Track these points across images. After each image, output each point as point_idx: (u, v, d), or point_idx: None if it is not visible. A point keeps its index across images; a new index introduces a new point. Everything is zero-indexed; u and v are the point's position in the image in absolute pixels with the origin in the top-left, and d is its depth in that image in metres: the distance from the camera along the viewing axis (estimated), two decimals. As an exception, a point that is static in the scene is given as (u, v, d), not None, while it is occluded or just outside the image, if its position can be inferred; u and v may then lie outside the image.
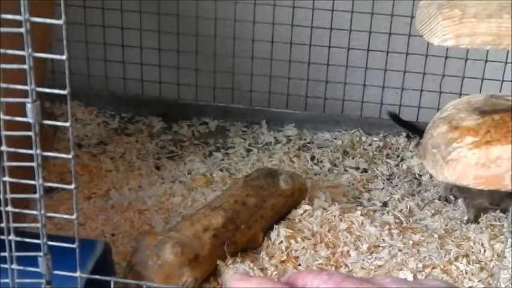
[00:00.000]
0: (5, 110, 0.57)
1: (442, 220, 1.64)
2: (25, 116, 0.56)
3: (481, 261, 1.50)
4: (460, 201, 1.70)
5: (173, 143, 1.91)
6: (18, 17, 0.53)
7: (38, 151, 0.58)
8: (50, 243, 0.62)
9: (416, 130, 1.91)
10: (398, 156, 1.89)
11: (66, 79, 0.55)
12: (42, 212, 0.61)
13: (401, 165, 1.85)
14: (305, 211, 1.59)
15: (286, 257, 1.48)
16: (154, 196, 1.65)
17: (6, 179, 0.60)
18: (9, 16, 0.54)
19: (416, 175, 1.81)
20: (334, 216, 1.58)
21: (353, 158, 1.87)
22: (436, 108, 1.86)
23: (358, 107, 2.00)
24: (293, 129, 1.98)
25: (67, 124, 0.57)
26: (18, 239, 0.62)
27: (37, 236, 0.61)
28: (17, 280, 0.64)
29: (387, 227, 1.57)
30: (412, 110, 1.97)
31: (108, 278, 0.63)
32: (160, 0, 1.93)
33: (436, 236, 1.57)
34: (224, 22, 1.94)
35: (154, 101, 2.02)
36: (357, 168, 1.83)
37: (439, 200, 1.72)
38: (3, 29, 0.55)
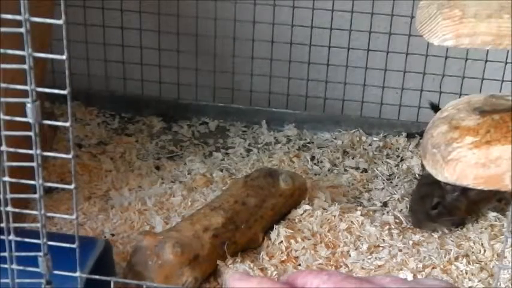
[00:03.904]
0: (5, 110, 0.57)
1: (442, 220, 1.64)
2: (25, 116, 0.56)
3: (481, 261, 1.50)
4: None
5: (173, 143, 1.91)
6: (18, 17, 0.53)
7: (38, 151, 0.58)
8: (50, 243, 0.62)
9: None
10: (398, 156, 1.89)
11: (66, 79, 0.55)
12: (42, 212, 0.61)
13: (401, 165, 1.85)
14: (305, 211, 1.59)
15: (286, 257, 1.48)
16: (154, 196, 1.65)
17: (6, 179, 0.60)
18: (9, 16, 0.54)
19: (416, 175, 1.81)
20: (334, 216, 1.58)
21: (353, 158, 1.87)
22: (436, 108, 1.86)
23: (358, 107, 2.00)
24: (293, 129, 1.98)
25: (67, 124, 0.57)
26: (18, 239, 0.62)
27: (37, 236, 0.61)
28: (17, 280, 0.64)
29: (387, 227, 1.57)
30: (412, 110, 1.97)
31: (108, 278, 0.63)
32: (160, 0, 1.93)
33: (436, 236, 1.57)
34: (224, 22, 1.94)
35: (154, 101, 2.02)
36: (357, 168, 1.83)
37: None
38: (3, 29, 0.55)
